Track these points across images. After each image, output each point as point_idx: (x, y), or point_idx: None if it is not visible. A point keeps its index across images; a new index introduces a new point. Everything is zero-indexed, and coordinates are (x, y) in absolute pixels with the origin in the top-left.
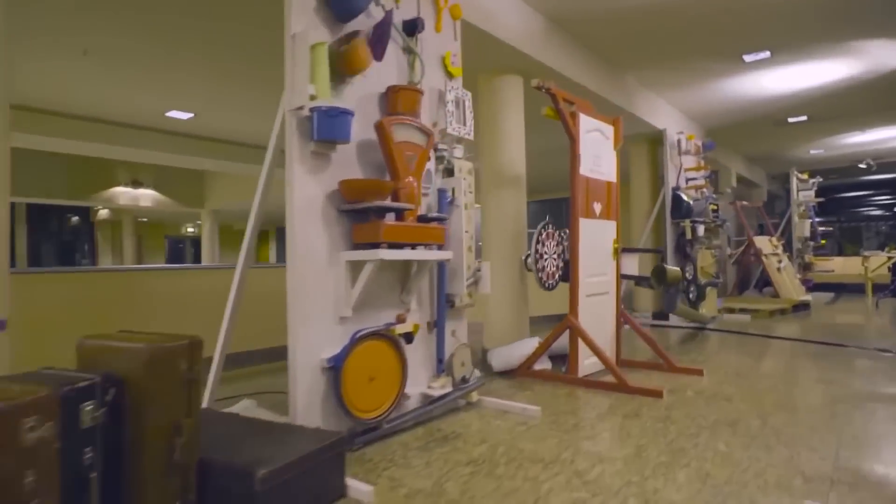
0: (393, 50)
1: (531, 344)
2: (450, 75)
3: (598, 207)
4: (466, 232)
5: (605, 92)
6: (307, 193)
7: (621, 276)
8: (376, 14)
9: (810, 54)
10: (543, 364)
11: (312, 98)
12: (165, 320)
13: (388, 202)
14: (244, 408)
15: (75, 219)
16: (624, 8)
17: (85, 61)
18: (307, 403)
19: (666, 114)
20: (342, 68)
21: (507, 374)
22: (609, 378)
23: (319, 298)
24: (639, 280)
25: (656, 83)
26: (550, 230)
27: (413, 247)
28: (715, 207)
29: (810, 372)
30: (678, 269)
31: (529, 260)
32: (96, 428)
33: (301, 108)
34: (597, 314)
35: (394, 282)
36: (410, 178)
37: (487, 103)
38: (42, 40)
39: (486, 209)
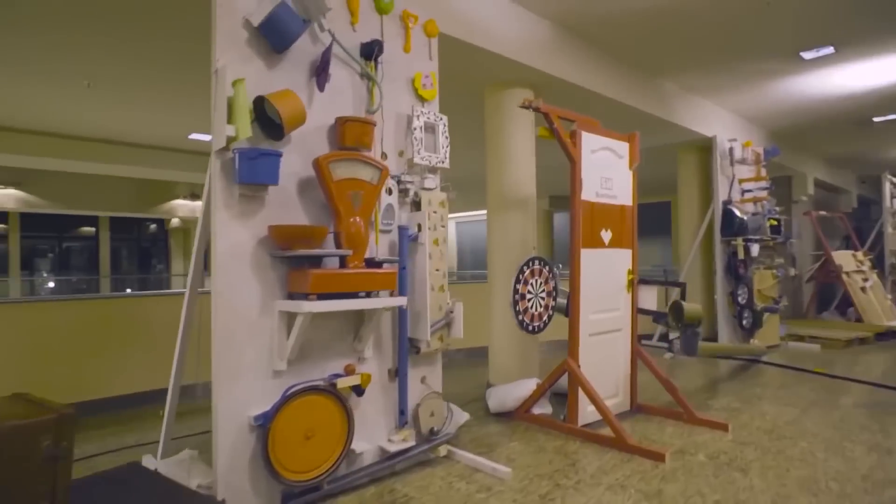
0: (348, 76)
1: (529, 386)
2: (421, 99)
3: (607, 236)
4: (437, 270)
5: (635, 101)
6: (233, 239)
7: (637, 311)
8: (325, 39)
9: (887, 47)
10: (543, 407)
11: (232, 140)
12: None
13: (318, 250)
14: (179, 461)
15: (153, 226)
16: (649, 8)
17: (112, 93)
18: (231, 465)
19: (718, 119)
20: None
21: (504, 415)
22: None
23: (249, 351)
24: (657, 316)
25: (703, 87)
26: (536, 266)
27: (368, 294)
28: (775, 222)
29: (867, 433)
30: (699, 306)
31: (509, 300)
32: None
33: (226, 148)
34: (606, 354)
35: (345, 329)
36: (356, 219)
37: (492, 119)
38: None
39: (492, 231)
